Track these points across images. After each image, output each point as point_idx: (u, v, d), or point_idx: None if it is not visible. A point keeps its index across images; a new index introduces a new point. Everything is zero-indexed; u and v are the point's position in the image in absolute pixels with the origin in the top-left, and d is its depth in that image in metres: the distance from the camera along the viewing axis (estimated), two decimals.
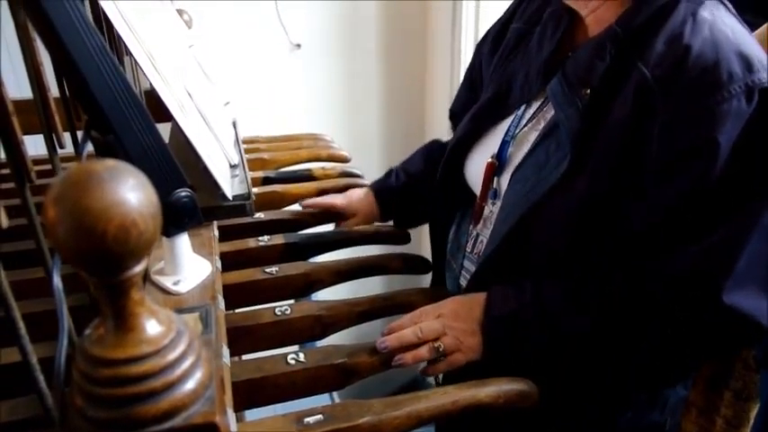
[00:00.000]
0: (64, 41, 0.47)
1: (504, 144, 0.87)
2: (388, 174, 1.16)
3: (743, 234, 0.66)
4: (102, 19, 0.80)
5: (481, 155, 0.92)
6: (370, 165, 2.41)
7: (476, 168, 0.92)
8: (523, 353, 0.77)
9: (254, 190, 1.06)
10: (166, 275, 0.65)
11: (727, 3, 0.75)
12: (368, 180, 1.28)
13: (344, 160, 1.32)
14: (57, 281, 0.48)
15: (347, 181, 1.20)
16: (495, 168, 0.88)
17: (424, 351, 0.76)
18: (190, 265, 0.65)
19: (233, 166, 0.83)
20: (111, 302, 0.37)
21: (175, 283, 0.63)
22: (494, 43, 0.97)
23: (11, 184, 0.55)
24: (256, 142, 1.40)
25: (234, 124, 1.00)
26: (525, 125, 0.86)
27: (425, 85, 2.39)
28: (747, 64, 0.67)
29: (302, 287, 0.91)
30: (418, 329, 0.77)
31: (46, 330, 0.61)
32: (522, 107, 0.88)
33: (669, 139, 0.69)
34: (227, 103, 1.00)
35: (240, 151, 0.89)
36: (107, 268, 0.35)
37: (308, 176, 1.22)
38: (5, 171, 0.94)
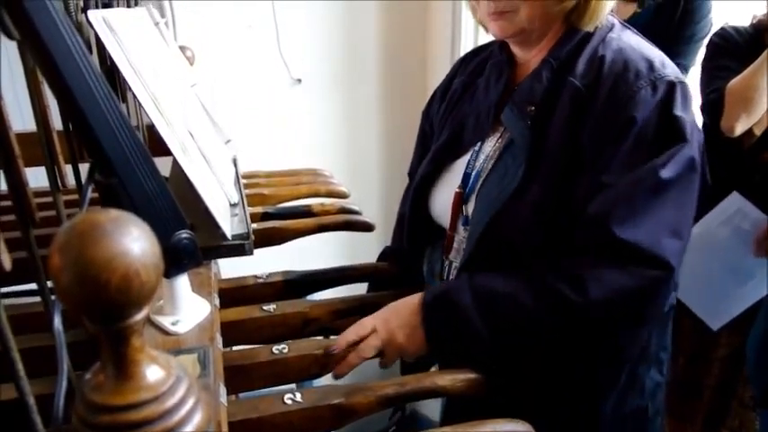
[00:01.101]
0: (71, 88, 0.48)
1: (467, 176, 0.99)
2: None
3: (637, 184, 0.82)
4: (107, 61, 0.82)
5: (445, 190, 1.03)
6: (370, 200, 2.43)
7: (442, 202, 1.03)
8: (465, 338, 0.84)
9: (254, 226, 1.07)
10: (165, 315, 0.65)
11: (632, 28, 0.96)
12: (366, 216, 1.29)
13: (343, 196, 1.33)
14: (57, 323, 0.48)
15: (346, 217, 1.21)
16: (462, 196, 0.99)
17: (365, 350, 0.86)
18: (188, 306, 0.66)
19: (233, 205, 0.84)
20: (112, 349, 0.38)
21: (174, 324, 0.64)
22: (441, 99, 1.14)
23: (11, 216, 0.56)
24: (256, 177, 1.41)
25: (234, 162, 1.01)
26: (485, 156, 0.98)
27: None
28: (649, 64, 0.87)
29: (300, 325, 0.91)
30: (358, 327, 0.87)
31: (45, 365, 0.61)
32: (479, 144, 0.99)
33: (598, 130, 0.85)
34: (229, 141, 1.01)
35: (240, 189, 0.90)
36: (109, 317, 0.36)
37: (306, 212, 1.23)
38: (6, 203, 0.96)
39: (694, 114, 0.88)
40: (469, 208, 0.97)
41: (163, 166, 0.96)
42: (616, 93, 0.85)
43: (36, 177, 0.70)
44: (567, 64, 0.90)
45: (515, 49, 0.99)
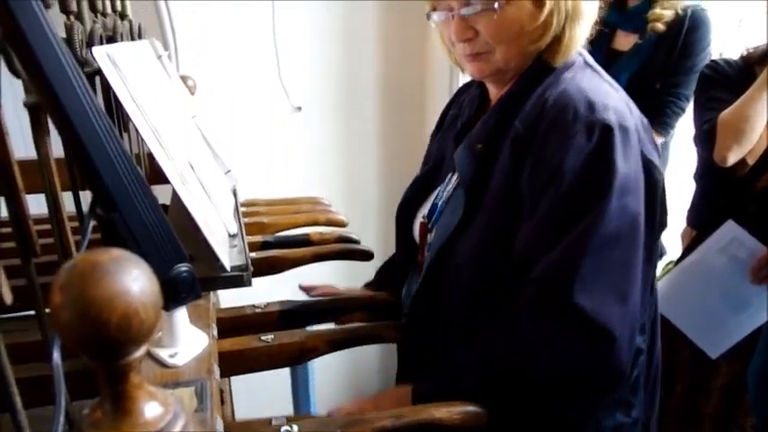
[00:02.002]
0: (74, 124, 0.49)
1: (434, 206, 1.01)
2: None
3: (581, 245, 0.77)
4: (109, 93, 0.83)
5: (419, 217, 1.06)
6: (369, 227, 2.43)
7: (416, 228, 1.06)
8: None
9: (252, 255, 1.08)
10: (163, 347, 0.65)
11: (595, 67, 0.92)
12: (365, 244, 1.30)
13: (342, 225, 1.34)
14: (56, 357, 0.48)
15: (344, 246, 1.22)
16: (427, 226, 1.01)
17: None
18: (186, 338, 0.66)
19: (232, 236, 0.85)
20: (110, 386, 0.38)
21: (172, 356, 0.64)
22: (437, 130, 1.18)
23: (11, 244, 0.56)
24: (256, 205, 1.42)
25: (234, 192, 1.02)
26: (449, 189, 0.99)
27: (424, 148, 2.44)
28: (590, 106, 0.81)
29: (297, 355, 0.91)
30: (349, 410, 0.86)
31: (42, 394, 0.61)
32: (450, 174, 1.01)
33: (534, 177, 0.82)
34: (228, 171, 1.03)
35: (239, 220, 0.91)
36: (108, 354, 0.36)
37: (305, 241, 1.24)
38: (6, 229, 0.96)
39: (642, 161, 0.83)
40: (432, 237, 1.00)
41: (163, 193, 0.97)
42: (550, 137, 0.81)
43: (39, 202, 0.71)
44: (518, 103, 0.88)
45: (489, 87, 0.99)
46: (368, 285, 1.27)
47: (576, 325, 0.77)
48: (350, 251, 1.21)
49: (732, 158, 1.51)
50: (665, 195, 0.88)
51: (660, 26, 1.74)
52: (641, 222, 0.81)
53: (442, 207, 0.98)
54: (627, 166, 0.79)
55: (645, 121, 0.89)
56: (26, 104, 0.51)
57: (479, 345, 0.86)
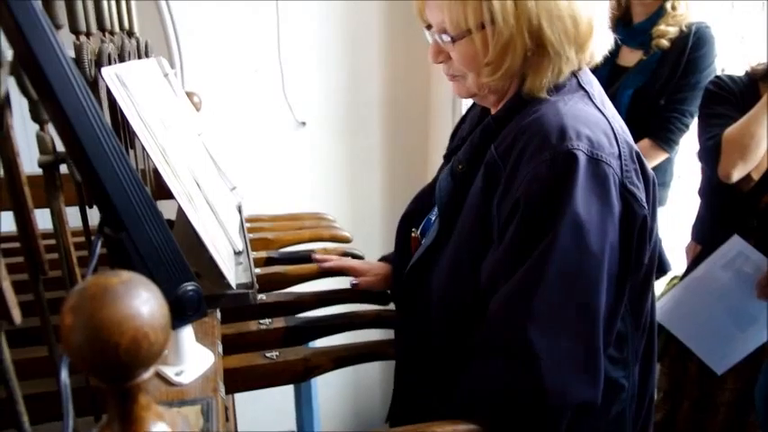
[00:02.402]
0: (84, 146, 0.50)
1: (428, 220, 1.02)
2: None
3: (533, 281, 0.75)
4: (116, 109, 0.84)
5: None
6: (373, 243, 2.44)
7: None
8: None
9: (257, 271, 1.08)
10: (169, 365, 0.65)
11: (589, 89, 0.86)
12: (368, 260, 1.30)
13: (346, 241, 1.35)
14: (64, 377, 0.49)
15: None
16: (417, 240, 1.02)
17: None
18: (192, 356, 0.66)
19: (237, 253, 0.85)
20: (119, 407, 0.39)
21: (178, 374, 0.64)
22: (451, 139, 1.14)
23: (19, 258, 0.57)
24: (260, 221, 1.42)
25: (239, 209, 1.02)
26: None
27: (427, 164, 2.46)
28: (561, 134, 0.76)
29: (302, 372, 0.92)
30: None
31: (48, 409, 0.62)
32: None
33: (502, 204, 0.80)
34: (234, 188, 1.03)
35: (245, 237, 0.92)
36: (117, 376, 0.36)
37: (310, 257, 1.24)
38: (13, 245, 0.97)
39: (616, 193, 0.77)
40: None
41: (170, 208, 0.98)
42: (517, 165, 0.78)
43: (43, 217, 0.72)
44: (500, 127, 0.86)
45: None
46: (383, 259, 1.25)
47: (527, 362, 0.75)
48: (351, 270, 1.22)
49: (736, 175, 1.51)
50: (645, 230, 0.81)
51: (665, 43, 1.75)
52: (605, 261, 0.76)
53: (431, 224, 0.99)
54: (589, 202, 0.75)
55: (635, 149, 0.83)
56: (41, 164, 0.52)
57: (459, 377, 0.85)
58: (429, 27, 0.90)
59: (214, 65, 2.23)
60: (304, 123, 2.40)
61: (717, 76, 1.65)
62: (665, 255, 0.99)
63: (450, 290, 0.87)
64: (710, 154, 1.54)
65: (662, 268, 0.99)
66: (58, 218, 0.54)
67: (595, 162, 0.75)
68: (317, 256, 1.24)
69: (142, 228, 0.54)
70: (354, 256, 1.28)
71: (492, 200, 0.81)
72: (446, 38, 0.84)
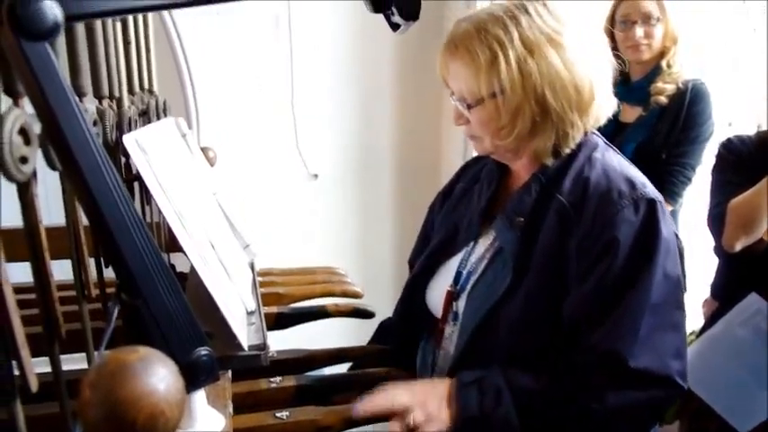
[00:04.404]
0: (104, 216, 0.52)
1: (458, 274, 1.05)
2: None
3: (636, 311, 0.87)
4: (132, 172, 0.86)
5: (438, 285, 1.09)
6: (384, 298, 2.43)
7: (435, 297, 1.09)
8: (494, 420, 0.89)
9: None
10: (181, 429, 0.65)
11: (614, 147, 1.02)
12: (380, 315, 1.30)
13: (357, 296, 1.34)
14: None
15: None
16: (453, 294, 1.04)
17: (396, 426, 0.89)
18: (203, 419, 0.66)
19: (249, 313, 0.86)
20: None
21: None
22: (443, 201, 1.23)
23: (34, 310, 0.58)
24: (272, 275, 1.43)
25: (252, 266, 1.03)
26: (476, 258, 1.04)
27: None
28: (631, 184, 0.92)
29: None
30: (390, 396, 0.90)
31: None
32: (471, 244, 1.06)
33: (584, 248, 0.90)
34: (247, 246, 1.05)
35: (257, 296, 0.92)
36: None
37: (321, 313, 1.24)
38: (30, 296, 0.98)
39: (673, 226, 0.93)
40: (460, 305, 1.03)
41: (183, 260, 0.99)
42: (601, 212, 0.90)
43: (62, 267, 0.73)
44: (555, 180, 0.96)
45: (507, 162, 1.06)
46: (383, 327, 1.29)
47: (646, 381, 0.87)
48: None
49: (739, 246, 1.52)
50: (684, 261, 0.97)
51: (663, 99, 1.81)
52: (682, 282, 0.91)
53: (474, 276, 1.02)
54: (668, 231, 0.90)
55: None
56: None
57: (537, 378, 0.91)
58: (452, 93, 0.99)
59: (228, 118, 2.29)
60: (316, 176, 2.43)
61: (727, 139, 1.67)
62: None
63: (523, 329, 0.93)
64: (716, 223, 1.56)
65: None
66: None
67: (661, 202, 0.92)
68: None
69: (158, 294, 0.55)
70: (365, 313, 1.28)
71: (567, 241, 0.91)
72: (463, 104, 0.95)
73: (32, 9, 0.45)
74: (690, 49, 1.88)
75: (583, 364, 0.90)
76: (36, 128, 0.51)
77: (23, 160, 0.44)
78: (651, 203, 0.90)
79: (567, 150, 0.97)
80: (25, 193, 0.48)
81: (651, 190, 0.93)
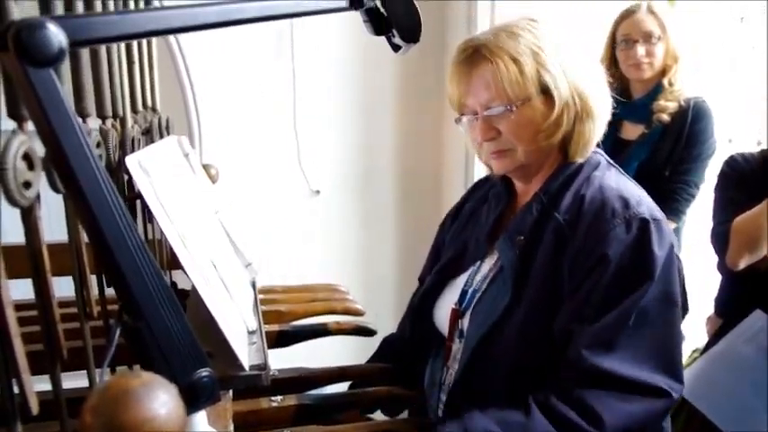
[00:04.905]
0: (108, 240, 0.52)
1: (464, 293, 1.07)
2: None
3: (620, 326, 0.88)
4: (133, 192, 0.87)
5: (446, 303, 1.11)
6: (386, 315, 2.43)
7: (442, 314, 1.11)
8: None
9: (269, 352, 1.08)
10: None
11: (617, 166, 1.04)
12: (381, 333, 1.30)
13: (359, 314, 1.34)
14: None
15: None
16: (458, 313, 1.06)
17: None
18: None
19: (251, 332, 0.86)
20: None
21: None
22: (452, 220, 1.25)
23: (36, 328, 0.58)
24: (274, 292, 1.43)
25: (253, 285, 1.04)
26: (481, 277, 1.06)
27: None
28: (625, 203, 0.93)
29: None
30: None
31: None
32: (478, 263, 1.08)
33: (576, 263, 0.92)
34: (249, 264, 1.05)
35: (258, 315, 0.92)
36: None
37: (322, 331, 1.24)
38: (32, 313, 0.98)
39: (672, 247, 0.93)
40: (465, 322, 1.05)
41: (185, 277, 0.99)
42: (593, 229, 0.92)
43: (60, 286, 0.73)
44: (555, 199, 0.98)
45: (516, 182, 1.09)
46: (386, 342, 1.33)
47: (636, 390, 0.88)
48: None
49: (743, 265, 1.52)
50: (684, 280, 0.97)
51: (665, 117, 1.82)
52: (676, 299, 0.92)
53: (478, 294, 1.04)
54: (662, 252, 0.90)
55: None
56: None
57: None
58: (463, 114, 1.01)
59: (231, 135, 2.30)
60: (318, 192, 2.44)
61: (731, 157, 1.67)
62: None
63: (522, 345, 0.94)
64: (719, 241, 1.56)
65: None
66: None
67: (657, 221, 0.92)
68: None
69: (159, 317, 0.55)
70: (367, 331, 1.28)
71: (562, 258, 0.93)
72: (500, 109, 0.95)
73: (38, 36, 0.46)
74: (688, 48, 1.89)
75: (571, 379, 0.90)
76: (40, 151, 0.52)
77: (27, 185, 0.44)
78: (644, 222, 0.91)
79: (581, 159, 1.00)
80: (28, 216, 0.48)
81: (647, 209, 0.93)
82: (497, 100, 0.95)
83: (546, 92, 0.94)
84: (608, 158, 1.05)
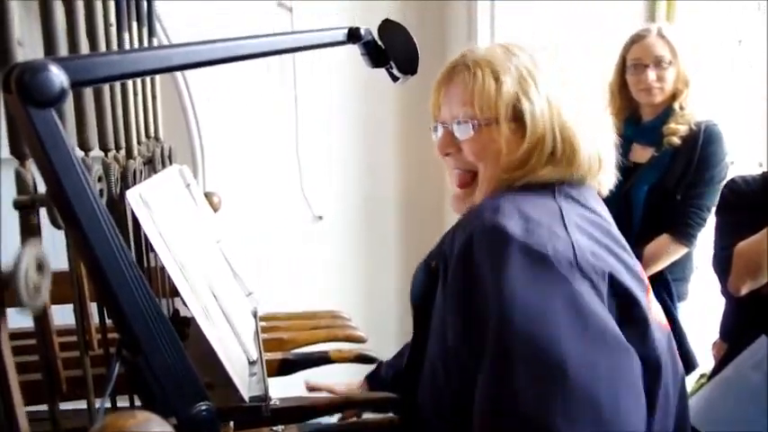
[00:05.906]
0: (107, 277, 0.52)
1: None
2: (379, 366, 1.27)
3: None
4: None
5: None
6: (388, 342, 2.41)
7: None
8: None
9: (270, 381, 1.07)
10: None
11: (578, 198, 0.84)
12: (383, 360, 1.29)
13: (361, 341, 1.34)
14: None
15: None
16: None
17: None
18: None
19: (251, 363, 0.86)
20: None
21: None
22: None
23: (35, 357, 0.58)
24: (276, 319, 1.42)
25: (255, 314, 1.04)
26: None
27: None
28: (494, 209, 0.75)
29: None
30: None
31: None
32: None
33: (445, 297, 0.77)
34: (250, 293, 1.05)
35: (259, 345, 0.92)
36: None
37: (323, 359, 1.23)
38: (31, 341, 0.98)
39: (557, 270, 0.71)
40: None
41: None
42: (457, 230, 0.79)
43: (62, 314, 0.73)
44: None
45: None
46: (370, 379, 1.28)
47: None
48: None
49: (745, 290, 1.51)
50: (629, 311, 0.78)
51: (676, 140, 1.80)
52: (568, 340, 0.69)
53: None
54: (527, 280, 0.70)
55: (608, 271, 0.75)
56: (17, 205, 0.55)
57: None
58: (439, 123, 0.93)
59: (233, 162, 2.32)
60: (321, 217, 2.45)
61: (731, 180, 1.66)
62: (691, 351, 0.97)
63: (429, 398, 0.85)
64: (721, 266, 1.54)
65: (689, 364, 0.97)
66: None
67: (527, 250, 0.71)
68: (311, 384, 1.22)
69: (159, 352, 0.55)
70: (369, 359, 1.27)
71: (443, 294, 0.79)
72: (465, 126, 0.85)
73: (40, 78, 0.47)
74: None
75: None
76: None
77: (37, 289, 0.46)
78: (478, 229, 0.74)
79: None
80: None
81: (517, 225, 0.72)
82: (463, 117, 0.86)
83: (519, 120, 0.83)
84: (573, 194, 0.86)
